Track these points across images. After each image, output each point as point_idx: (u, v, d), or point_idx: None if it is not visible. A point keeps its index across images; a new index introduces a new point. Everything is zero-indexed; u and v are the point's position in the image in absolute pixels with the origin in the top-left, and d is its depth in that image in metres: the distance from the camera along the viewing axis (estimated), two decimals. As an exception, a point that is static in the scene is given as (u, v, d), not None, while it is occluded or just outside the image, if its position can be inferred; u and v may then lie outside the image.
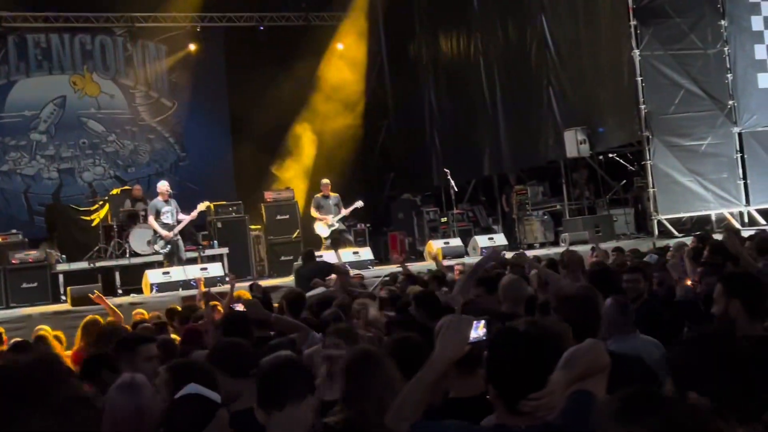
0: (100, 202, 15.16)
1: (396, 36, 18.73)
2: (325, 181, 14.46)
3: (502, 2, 15.68)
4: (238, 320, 4.98)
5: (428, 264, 12.34)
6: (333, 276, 8.59)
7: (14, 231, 14.19)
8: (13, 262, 13.01)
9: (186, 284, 12.04)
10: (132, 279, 13.23)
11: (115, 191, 15.42)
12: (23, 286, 12.87)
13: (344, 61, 18.21)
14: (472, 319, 2.70)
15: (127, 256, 13.64)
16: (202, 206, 12.95)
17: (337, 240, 14.02)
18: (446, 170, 14.87)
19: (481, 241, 14.18)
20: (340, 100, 17.86)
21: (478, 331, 2.69)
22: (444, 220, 15.97)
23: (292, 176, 17.43)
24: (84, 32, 17.30)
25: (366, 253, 13.91)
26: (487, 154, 16.38)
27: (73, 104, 17.35)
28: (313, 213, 14.22)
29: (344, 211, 14.20)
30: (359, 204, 14.37)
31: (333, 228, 14.07)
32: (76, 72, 17.43)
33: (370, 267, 13.43)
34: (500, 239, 14.34)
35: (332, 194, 14.27)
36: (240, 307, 5.59)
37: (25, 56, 17.04)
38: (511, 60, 15.68)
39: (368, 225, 16.45)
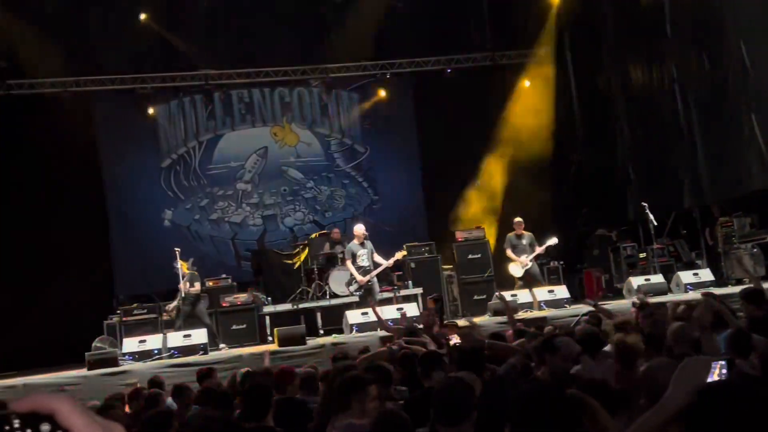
0: (301, 246, 15.82)
1: (584, 68, 18.41)
2: (518, 219, 14.38)
3: (697, 28, 15.05)
4: (471, 354, 5.07)
5: (628, 302, 11.94)
6: None
7: (224, 275, 15.06)
8: (223, 305, 13.83)
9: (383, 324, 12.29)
10: (333, 319, 13.67)
11: (314, 235, 16.06)
12: (233, 327, 13.63)
13: (532, 97, 18.11)
14: (710, 360, 2.56)
15: (328, 297, 14.13)
16: (399, 255, 13.39)
17: (528, 281, 13.96)
18: (644, 204, 14.36)
19: (685, 277, 13.50)
20: (528, 136, 17.73)
21: (715, 374, 2.54)
22: (643, 255, 15.38)
23: (483, 215, 17.47)
24: (283, 85, 18.29)
25: (561, 292, 13.61)
26: (686, 186, 15.67)
27: (274, 154, 18.34)
28: (508, 253, 14.22)
29: (538, 249, 14.07)
30: (554, 241, 14.19)
31: (527, 268, 14.01)
32: (276, 123, 18.44)
33: (566, 306, 13.14)
34: (706, 275, 13.61)
35: (525, 233, 14.20)
36: (456, 339, 5.65)
37: (230, 111, 18.24)
38: (708, 87, 14.97)
39: (561, 262, 16.16)
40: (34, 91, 16.34)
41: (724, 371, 2.51)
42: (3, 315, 15.49)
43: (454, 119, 17.94)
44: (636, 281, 13.37)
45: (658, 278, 13.58)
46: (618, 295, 14.60)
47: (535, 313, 12.59)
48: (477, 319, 12.46)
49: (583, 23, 17.86)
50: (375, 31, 17.60)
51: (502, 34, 18.39)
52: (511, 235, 14.39)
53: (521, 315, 12.36)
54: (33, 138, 16.08)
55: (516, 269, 14.09)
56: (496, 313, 12.61)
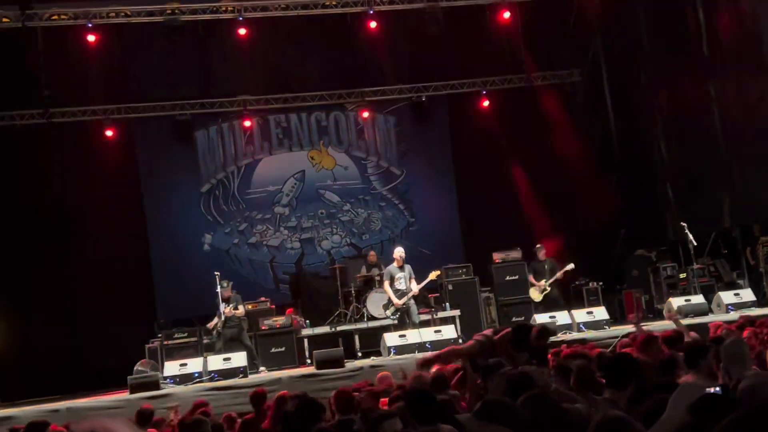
0: (338, 269, 15.90)
1: (621, 88, 18.34)
2: (539, 245, 14.84)
3: (734, 47, 14.96)
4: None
5: (668, 323, 11.82)
6: None
7: (262, 299, 15.18)
8: (263, 328, 13.94)
9: (421, 347, 12.30)
10: (370, 342, 13.73)
11: (351, 258, 16.13)
12: (272, 350, 13.73)
13: (568, 117, 18.09)
14: (704, 386, 2.67)
15: (365, 319, 14.20)
16: (432, 275, 13.48)
17: (548, 305, 14.06)
18: (683, 224, 14.25)
19: (726, 297, 13.32)
20: (565, 157, 17.72)
21: None
22: (683, 275, 15.22)
23: (519, 236, 17.40)
24: (319, 110, 18.49)
25: (600, 313, 13.53)
26: (726, 205, 15.51)
27: (311, 177, 18.50)
28: (530, 279, 14.64)
29: (557, 275, 14.24)
30: (570, 266, 14.34)
31: (546, 292, 14.16)
32: (313, 147, 18.61)
33: (606, 327, 13.04)
34: (747, 295, 13.43)
35: (547, 258, 14.51)
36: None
37: (268, 136, 18.45)
38: (745, 105, 14.86)
39: (600, 283, 16.06)
40: (77, 118, 16.70)
41: None
42: (46, 339, 15.78)
43: (490, 141, 17.97)
44: (676, 302, 13.22)
45: (698, 299, 13.42)
46: (658, 316, 14.46)
47: (575, 335, 12.51)
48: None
49: (618, 43, 17.82)
50: (410, 55, 17.74)
51: (537, 55, 18.39)
52: (533, 260, 14.77)
53: (561, 337, 12.31)
54: (75, 165, 16.43)
55: (535, 294, 14.27)
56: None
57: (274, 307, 14.97)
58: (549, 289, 14.25)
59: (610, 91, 18.45)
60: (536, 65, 18.42)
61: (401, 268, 13.16)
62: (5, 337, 14.52)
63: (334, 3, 16.45)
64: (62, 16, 15.56)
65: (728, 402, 2.40)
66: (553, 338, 12.04)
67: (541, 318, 13.32)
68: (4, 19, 15.22)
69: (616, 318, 14.95)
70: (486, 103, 18.44)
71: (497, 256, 15.50)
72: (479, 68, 18.27)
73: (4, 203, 16.13)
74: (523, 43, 17.85)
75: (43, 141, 16.30)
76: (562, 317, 13.27)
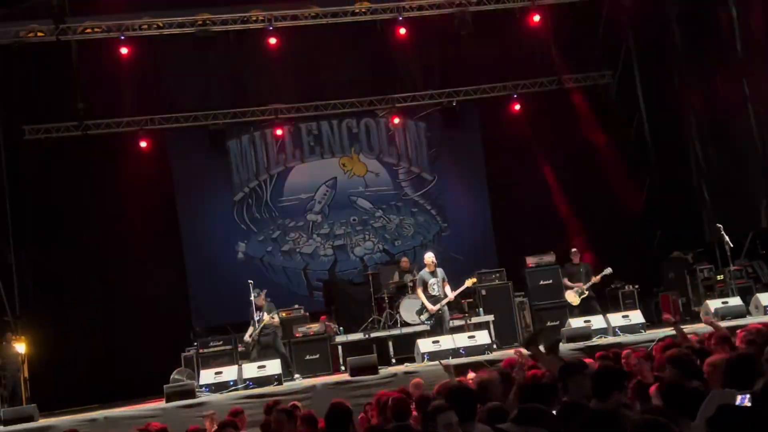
0: (371, 275, 15.90)
1: (654, 89, 18.15)
2: (574, 249, 14.79)
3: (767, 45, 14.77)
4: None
5: (704, 326, 11.66)
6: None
7: (296, 306, 15.23)
8: (297, 335, 14.00)
9: (455, 353, 12.24)
10: (404, 348, 13.70)
11: (384, 264, 16.13)
12: (306, 358, 13.78)
13: (601, 118, 17.95)
14: (735, 393, 2.70)
15: (399, 326, 14.19)
16: (468, 283, 13.43)
17: (585, 309, 13.97)
18: (719, 225, 14.04)
19: (764, 299, 13.04)
20: (598, 159, 17.60)
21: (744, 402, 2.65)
22: (720, 277, 15.01)
23: (552, 240, 17.29)
24: (350, 117, 18.53)
25: (636, 317, 13.33)
26: (764, 206, 15.27)
27: (343, 184, 18.54)
28: (565, 282, 14.56)
29: (594, 279, 14.13)
30: (608, 271, 14.25)
31: (583, 296, 14.06)
32: (344, 154, 18.66)
33: (642, 331, 12.88)
34: (786, 296, 13.20)
35: (582, 262, 14.46)
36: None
37: (299, 143, 18.54)
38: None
39: (636, 286, 15.91)
40: (111, 130, 16.91)
41: (749, 404, 2.61)
42: (84, 349, 15.99)
43: (522, 144, 17.87)
44: (713, 304, 13.02)
45: (736, 301, 13.19)
46: (696, 318, 14.27)
47: (610, 339, 12.39)
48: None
49: (651, 42, 17.65)
50: (441, 60, 17.72)
51: (568, 58, 18.26)
52: (567, 264, 14.70)
53: (596, 341, 12.19)
54: (110, 176, 16.63)
55: (573, 297, 14.18)
56: (569, 339, 12.45)
57: (308, 314, 15.04)
58: (587, 292, 14.17)
59: (643, 92, 18.26)
60: (567, 68, 18.28)
61: (433, 273, 13.14)
62: (44, 347, 14.72)
63: (363, 10, 16.51)
64: (95, 30, 15.81)
65: (750, 413, 2.37)
66: (588, 342, 12.03)
67: (576, 323, 13.20)
68: (39, 33, 15.48)
69: (652, 321, 14.76)
70: (517, 107, 18.34)
71: (531, 261, 15.41)
72: (510, 72, 18.18)
73: (40, 215, 16.36)
74: (554, 46, 17.75)
75: (78, 153, 16.53)
76: (597, 321, 13.13)
